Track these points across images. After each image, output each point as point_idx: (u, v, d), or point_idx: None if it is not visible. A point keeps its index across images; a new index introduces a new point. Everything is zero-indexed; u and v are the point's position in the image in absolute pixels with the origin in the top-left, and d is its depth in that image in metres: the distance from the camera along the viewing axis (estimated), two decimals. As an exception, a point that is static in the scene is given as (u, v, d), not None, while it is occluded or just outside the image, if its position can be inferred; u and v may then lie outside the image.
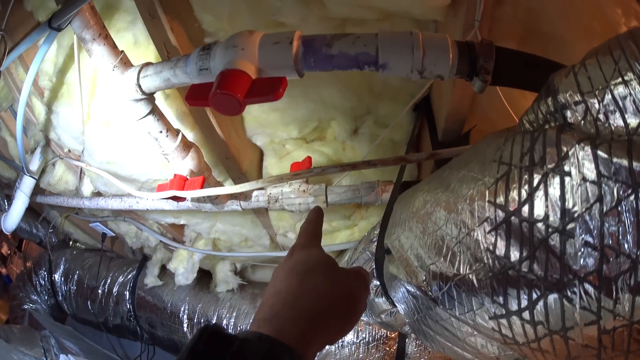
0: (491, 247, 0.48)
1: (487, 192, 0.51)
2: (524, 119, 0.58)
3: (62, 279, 2.40)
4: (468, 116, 1.01)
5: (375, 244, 0.99)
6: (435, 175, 0.70)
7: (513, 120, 0.96)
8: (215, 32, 1.03)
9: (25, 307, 2.50)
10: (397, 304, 0.81)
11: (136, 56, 1.12)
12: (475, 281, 0.51)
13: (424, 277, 0.64)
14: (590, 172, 0.40)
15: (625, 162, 0.37)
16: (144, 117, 0.92)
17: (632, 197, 0.36)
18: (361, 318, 0.57)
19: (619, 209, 0.37)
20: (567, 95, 0.48)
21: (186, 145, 1.01)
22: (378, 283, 1.00)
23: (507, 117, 0.98)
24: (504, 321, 0.48)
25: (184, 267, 1.68)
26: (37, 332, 2.22)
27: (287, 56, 0.65)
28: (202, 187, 0.96)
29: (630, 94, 0.41)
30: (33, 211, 2.37)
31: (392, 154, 1.16)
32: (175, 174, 1.01)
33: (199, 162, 1.02)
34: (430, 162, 1.08)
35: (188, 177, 1.01)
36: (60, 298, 2.44)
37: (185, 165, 1.01)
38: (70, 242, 2.53)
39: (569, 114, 0.47)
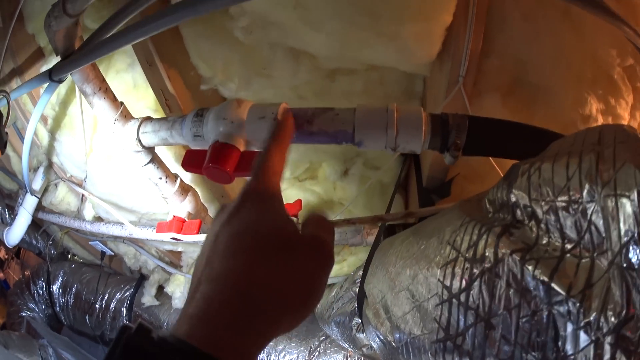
0: (437, 318, 0.58)
1: (437, 271, 0.60)
2: (487, 198, 0.66)
3: (60, 290, 2.50)
4: (451, 165, 1.09)
5: (358, 285, 1.09)
6: (409, 234, 0.80)
7: (494, 169, 1.03)
8: (211, 78, 1.12)
9: (23, 314, 2.59)
10: (372, 343, 0.91)
11: (135, 99, 1.22)
12: (424, 342, 0.61)
13: (389, 328, 0.75)
14: (515, 281, 0.48)
15: (546, 280, 0.46)
16: (145, 165, 1.01)
17: (545, 313, 0.45)
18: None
19: (535, 318, 0.46)
20: (518, 195, 0.56)
21: (184, 190, 1.10)
22: (360, 321, 1.11)
23: (489, 166, 1.03)
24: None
25: (180, 292, 1.78)
26: (35, 341, 2.33)
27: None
28: (198, 231, 1.06)
29: (573, 215, 0.45)
30: (34, 223, 2.44)
31: (381, 195, 1.24)
32: (174, 216, 1.11)
33: (196, 205, 1.12)
34: (415, 199, 1.17)
35: (186, 218, 1.11)
36: (58, 309, 2.53)
37: (184, 207, 1.11)
38: (69, 256, 2.63)
39: (518, 212, 0.56)
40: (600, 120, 1.10)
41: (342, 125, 0.73)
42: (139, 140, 0.95)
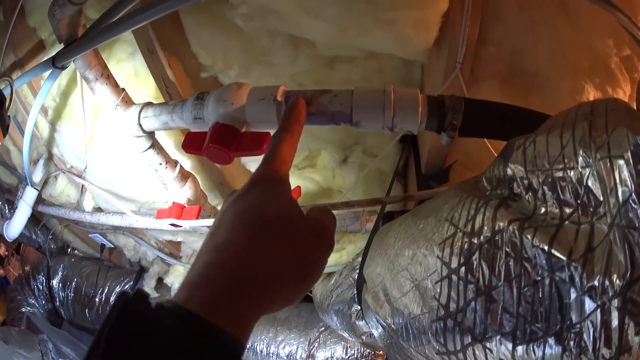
0: (437, 296, 0.59)
1: (436, 248, 0.61)
2: (484, 176, 0.68)
3: (60, 285, 2.53)
4: (450, 151, 1.11)
5: (357, 271, 1.10)
6: (407, 217, 0.81)
7: (492, 155, 1.05)
8: (211, 66, 1.13)
9: (23, 310, 2.61)
10: (372, 329, 0.92)
11: (136, 87, 1.23)
12: (424, 322, 0.62)
13: (388, 311, 0.76)
14: (514, 251, 0.49)
15: (545, 247, 0.46)
16: (145, 150, 1.03)
17: (547, 280, 0.46)
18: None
19: (537, 288, 0.47)
20: (515, 168, 0.57)
21: (184, 176, 1.12)
22: (359, 308, 1.12)
23: (487, 152, 1.04)
24: (446, 357, 0.59)
25: (180, 283, 1.80)
26: (35, 336, 2.35)
27: (271, 113, 0.76)
28: (198, 217, 1.08)
29: (570, 182, 0.46)
30: (33, 217, 2.47)
31: (380, 183, 1.26)
32: (173, 202, 1.12)
33: (196, 191, 1.14)
34: (414, 187, 1.19)
35: (185, 204, 1.12)
36: (58, 304, 2.56)
37: (183, 193, 1.13)
38: (69, 250, 2.65)
39: (515, 185, 0.57)
40: None
41: (340, 106, 0.74)
42: (140, 125, 0.97)
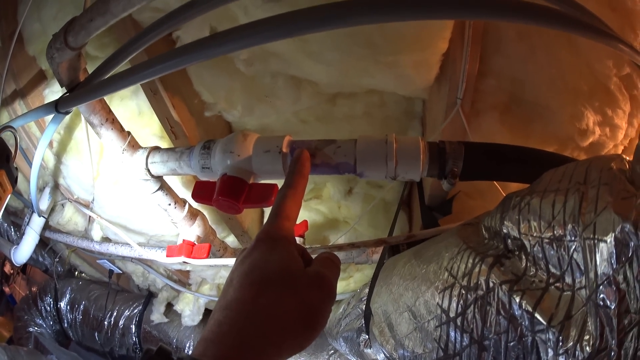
0: (437, 339, 0.64)
1: (437, 296, 0.66)
2: (483, 225, 0.72)
3: (68, 307, 2.56)
4: (453, 182, 1.14)
5: (365, 303, 1.14)
6: (411, 257, 0.85)
7: (494, 186, 1.08)
8: (215, 104, 1.17)
9: (31, 329, 2.64)
10: (379, 358, 0.97)
11: (141, 126, 1.27)
12: None
13: (394, 346, 0.80)
14: (504, 309, 0.54)
15: (530, 310, 0.51)
16: (154, 192, 1.07)
17: (529, 339, 0.50)
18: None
19: (520, 345, 0.52)
20: (510, 227, 0.61)
21: (193, 214, 1.15)
22: (367, 337, 1.17)
23: (489, 183, 1.07)
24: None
25: (190, 310, 1.84)
26: (43, 356, 2.39)
27: (277, 164, 0.79)
28: (208, 255, 1.12)
29: (557, 251, 0.51)
30: (40, 241, 2.52)
31: (384, 212, 1.29)
32: (183, 240, 1.16)
33: (205, 228, 1.17)
34: (419, 216, 1.22)
35: (195, 242, 1.17)
36: (66, 325, 2.60)
37: (193, 231, 1.16)
38: (76, 273, 2.68)
39: (509, 242, 0.61)
40: (598, 133, 1.13)
41: (344, 157, 0.78)
42: (148, 170, 1.01)
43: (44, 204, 1.84)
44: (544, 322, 0.48)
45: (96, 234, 1.82)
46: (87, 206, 1.68)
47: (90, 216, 1.80)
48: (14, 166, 1.12)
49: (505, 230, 0.61)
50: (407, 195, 1.29)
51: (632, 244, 0.41)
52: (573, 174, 0.57)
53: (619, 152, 1.17)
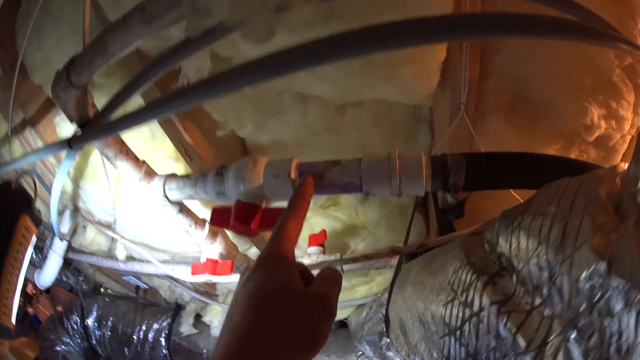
0: (441, 348, 0.72)
1: (441, 308, 0.74)
2: (486, 239, 0.78)
3: (96, 324, 2.65)
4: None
5: (385, 307, 1.23)
6: (422, 267, 0.93)
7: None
8: (225, 123, 1.26)
9: (58, 348, 2.72)
10: (398, 361, 1.06)
11: (155, 149, 1.36)
12: (433, 367, 0.76)
13: (407, 352, 0.89)
14: (493, 328, 0.60)
15: (513, 333, 0.57)
16: (174, 216, 1.17)
17: (513, 358, 0.56)
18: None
19: None
20: (503, 247, 0.67)
21: (214, 233, 1.24)
22: (389, 340, 1.25)
23: None
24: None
25: (218, 320, 1.94)
26: (72, 375, 2.53)
27: (287, 188, 0.87)
28: (231, 271, 1.22)
29: (541, 276, 0.56)
30: (63, 261, 2.66)
31: (400, 216, 1.37)
32: (207, 258, 1.26)
33: (227, 245, 1.27)
34: (434, 216, 1.29)
35: (219, 259, 1.26)
36: (94, 342, 2.69)
37: (215, 249, 1.26)
38: (102, 290, 2.80)
39: (503, 260, 0.67)
40: (603, 126, 1.17)
41: (349, 177, 0.85)
42: (166, 197, 1.10)
43: (65, 227, 1.94)
44: (523, 346, 0.54)
45: (120, 253, 1.91)
46: (109, 227, 1.79)
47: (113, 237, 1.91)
48: (36, 210, 1.22)
49: (499, 249, 0.69)
50: (422, 198, 1.36)
51: (604, 283, 0.45)
52: (562, 198, 0.62)
53: (626, 142, 1.21)
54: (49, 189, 1.64)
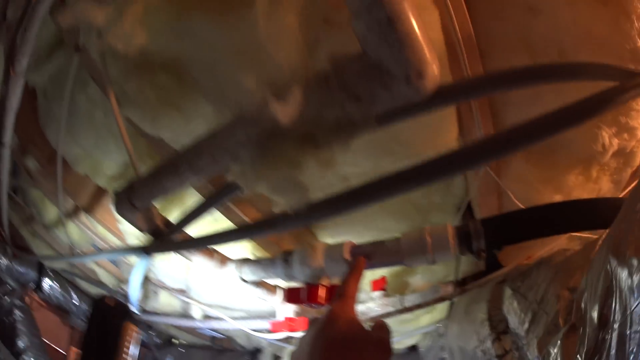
0: None
1: (474, 349, 1.08)
2: (504, 291, 1.12)
3: (172, 374, 2.99)
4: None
5: (442, 338, 1.59)
6: (464, 307, 1.27)
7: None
8: (276, 201, 1.60)
9: None
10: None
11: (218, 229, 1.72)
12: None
13: None
14: None
15: None
16: (251, 288, 1.51)
17: None
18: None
19: None
20: (505, 310, 0.95)
21: (286, 296, 1.61)
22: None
23: None
24: None
25: (295, 362, 2.30)
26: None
27: (343, 267, 1.18)
28: (308, 327, 1.58)
29: (522, 346, 0.84)
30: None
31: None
32: (285, 317, 1.58)
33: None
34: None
35: (295, 317, 1.58)
36: None
37: (289, 308, 1.57)
38: (176, 341, 3.12)
39: (509, 318, 0.96)
40: (616, 144, 1.34)
41: (392, 257, 1.15)
42: (242, 279, 1.48)
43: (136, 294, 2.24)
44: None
45: (196, 313, 2.21)
46: (181, 292, 2.11)
47: (187, 299, 2.19)
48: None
49: (504, 310, 1.01)
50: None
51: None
52: (539, 288, 0.91)
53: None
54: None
